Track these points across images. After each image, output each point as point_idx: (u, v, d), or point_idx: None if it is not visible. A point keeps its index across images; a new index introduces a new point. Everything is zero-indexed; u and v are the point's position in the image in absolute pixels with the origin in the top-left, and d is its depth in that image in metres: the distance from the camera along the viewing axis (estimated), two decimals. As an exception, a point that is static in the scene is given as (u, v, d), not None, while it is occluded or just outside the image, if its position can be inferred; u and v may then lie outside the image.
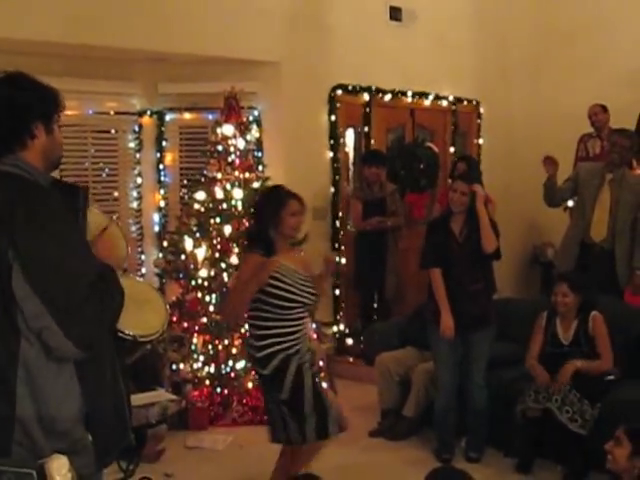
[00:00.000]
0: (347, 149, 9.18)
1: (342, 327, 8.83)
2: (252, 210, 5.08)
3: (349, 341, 8.71)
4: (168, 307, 3.61)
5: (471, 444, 6.07)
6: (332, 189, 8.83)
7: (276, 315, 4.74)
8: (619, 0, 9.94)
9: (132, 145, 8.34)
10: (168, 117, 8.44)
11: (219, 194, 7.21)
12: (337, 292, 8.83)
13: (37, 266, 2.69)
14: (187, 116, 8.48)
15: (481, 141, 10.38)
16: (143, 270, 8.30)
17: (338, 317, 8.83)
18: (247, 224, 7.05)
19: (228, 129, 7.31)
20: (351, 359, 8.40)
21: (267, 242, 4.78)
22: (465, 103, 10.15)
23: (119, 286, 2.91)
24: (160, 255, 7.89)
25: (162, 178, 8.44)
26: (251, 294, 4.67)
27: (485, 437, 6.06)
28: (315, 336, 7.30)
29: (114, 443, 3.04)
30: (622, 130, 7.58)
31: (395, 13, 9.35)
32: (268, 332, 4.74)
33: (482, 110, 10.35)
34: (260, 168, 7.50)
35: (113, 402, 3.00)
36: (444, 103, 9.88)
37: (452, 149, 9.99)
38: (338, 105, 8.83)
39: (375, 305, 8.65)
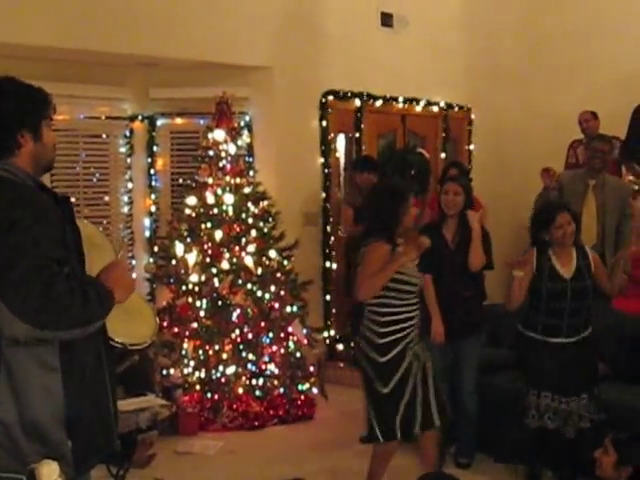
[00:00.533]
0: (338, 155, 9.18)
1: (333, 333, 8.83)
2: (372, 205, 5.27)
3: (340, 347, 8.71)
4: (157, 318, 3.61)
5: (461, 450, 6.07)
6: (323, 195, 8.83)
7: (401, 301, 4.96)
8: (610, 6, 9.94)
9: (123, 150, 8.32)
10: (159, 122, 8.43)
11: (210, 199, 7.21)
12: (328, 298, 8.82)
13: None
14: (178, 121, 8.48)
15: (472, 147, 10.40)
16: (134, 275, 8.28)
17: (329, 323, 8.83)
18: (238, 229, 7.09)
19: (219, 134, 7.31)
20: (342, 364, 8.40)
21: (389, 233, 4.99)
22: (456, 109, 10.17)
23: (104, 303, 2.85)
24: (151, 260, 7.89)
25: (153, 183, 8.43)
26: (385, 281, 4.88)
27: (475, 443, 6.06)
28: (306, 341, 7.32)
29: (95, 450, 3.02)
30: (601, 136, 7.65)
31: (386, 19, 9.37)
32: (394, 318, 4.96)
33: (473, 116, 10.37)
34: (251, 173, 7.51)
35: (97, 409, 2.98)
36: (435, 109, 9.89)
37: (443, 155, 10.00)
38: (329, 111, 8.84)
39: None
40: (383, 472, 5.19)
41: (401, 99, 9.47)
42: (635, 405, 5.44)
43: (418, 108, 9.71)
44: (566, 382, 5.28)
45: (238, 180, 7.32)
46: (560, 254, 5.40)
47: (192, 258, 7.15)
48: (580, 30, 10.21)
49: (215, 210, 7.20)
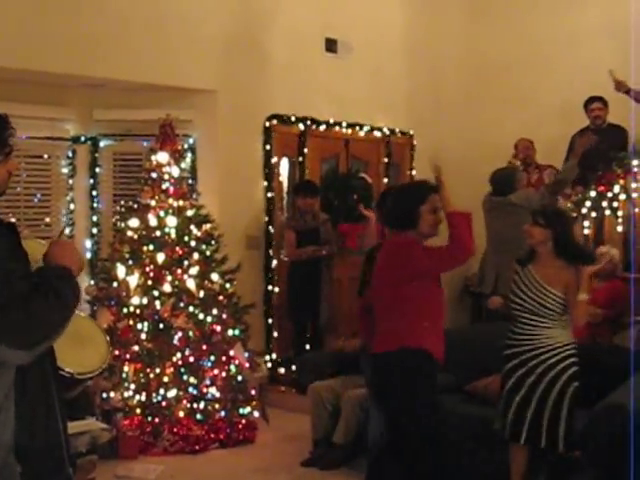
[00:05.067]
0: (281, 178, 9.20)
1: (274, 356, 8.81)
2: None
3: (281, 370, 8.69)
4: (109, 344, 3.56)
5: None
6: (266, 218, 8.83)
7: None
8: (549, 37, 10.14)
9: (65, 171, 8.23)
10: (102, 143, 8.38)
11: (152, 221, 7.17)
12: (269, 321, 8.82)
13: None
14: (122, 143, 8.44)
15: (414, 172, 10.48)
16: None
17: (270, 346, 8.81)
18: (180, 252, 7.08)
19: (163, 156, 7.28)
20: (283, 388, 8.38)
21: None
22: (399, 134, 10.25)
23: (73, 286, 2.79)
24: (92, 282, 7.81)
25: (95, 205, 8.36)
26: None
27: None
28: (247, 365, 7.29)
29: (45, 476, 2.98)
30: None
31: (331, 45, 9.44)
32: None
33: (415, 142, 10.46)
34: (194, 196, 7.48)
35: (45, 437, 2.94)
36: (378, 134, 9.97)
37: (385, 180, 10.06)
38: (273, 135, 8.86)
39: (308, 334, 8.64)
40: None
41: (344, 124, 9.53)
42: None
43: (361, 133, 9.77)
44: None
45: (181, 203, 7.29)
46: None
47: (134, 280, 7.09)
48: (518, 62, 10.45)
49: (157, 232, 7.16)
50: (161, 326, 6.99)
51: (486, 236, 7.40)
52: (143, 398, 6.90)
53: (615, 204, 8.21)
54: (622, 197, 8.17)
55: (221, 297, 7.26)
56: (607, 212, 8.25)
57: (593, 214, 8.26)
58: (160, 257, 7.09)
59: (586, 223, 8.25)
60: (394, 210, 5.20)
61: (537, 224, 5.28)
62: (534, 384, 5.21)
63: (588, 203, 8.15)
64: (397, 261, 4.96)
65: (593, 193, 8.13)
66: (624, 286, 7.71)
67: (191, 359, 7.00)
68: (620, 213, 8.18)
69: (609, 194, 8.19)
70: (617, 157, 8.07)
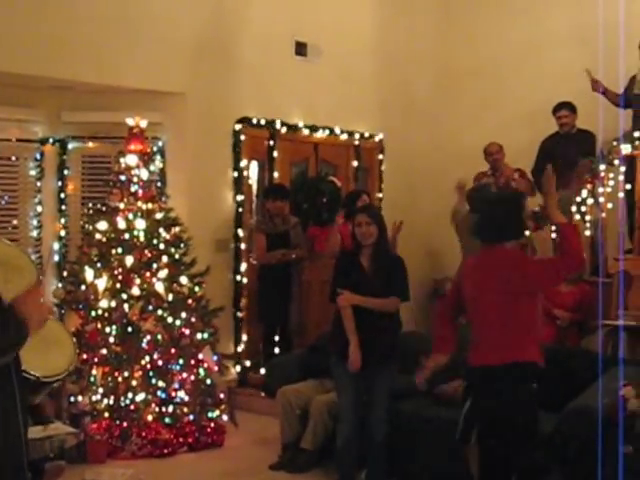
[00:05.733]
0: (250, 182, 9.18)
1: (243, 359, 8.80)
2: None
3: (250, 373, 8.67)
4: (76, 347, 3.55)
5: (371, 476, 6.07)
6: (235, 221, 8.81)
7: None
8: (519, 43, 10.22)
9: (33, 173, 8.20)
10: (71, 145, 8.35)
11: (121, 224, 7.15)
12: (239, 325, 8.80)
13: None
14: (90, 145, 8.40)
15: (383, 176, 10.50)
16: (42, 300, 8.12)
17: (239, 349, 8.79)
18: (149, 255, 7.05)
19: (131, 159, 7.26)
20: (252, 391, 8.36)
21: None
22: (368, 138, 10.27)
23: (21, 332, 2.80)
24: (60, 285, 7.75)
25: (63, 207, 8.33)
26: None
27: (385, 469, 6.07)
28: (216, 368, 7.28)
29: None
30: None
31: (300, 48, 9.44)
32: None
33: (384, 146, 10.48)
34: (163, 199, 7.46)
35: (6, 439, 2.91)
36: (347, 138, 9.97)
37: (355, 183, 10.07)
38: (242, 138, 8.84)
39: (277, 337, 8.64)
40: None
41: (314, 128, 9.53)
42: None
43: (331, 137, 9.77)
44: None
45: (150, 205, 7.27)
46: None
47: (102, 283, 7.06)
48: (488, 68, 10.54)
49: (126, 235, 7.14)
50: (129, 329, 6.96)
51: (461, 247, 7.38)
52: (111, 402, 6.88)
53: (583, 209, 8.27)
54: (590, 202, 8.23)
55: (190, 300, 7.25)
56: (576, 217, 8.31)
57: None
58: (129, 260, 7.07)
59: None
60: (499, 221, 4.96)
61: None
62: None
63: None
64: (514, 273, 4.81)
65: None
66: (591, 290, 7.78)
67: (160, 363, 6.98)
68: (588, 218, 8.24)
69: (577, 199, 8.24)
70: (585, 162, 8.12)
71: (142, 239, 7.15)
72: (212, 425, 7.12)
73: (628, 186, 8.15)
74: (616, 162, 8.09)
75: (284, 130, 9.24)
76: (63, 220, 8.33)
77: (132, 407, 6.87)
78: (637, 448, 4.78)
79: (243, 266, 8.84)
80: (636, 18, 8.24)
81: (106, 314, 7.00)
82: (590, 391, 5.56)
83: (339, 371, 5.92)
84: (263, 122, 9.02)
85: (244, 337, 8.85)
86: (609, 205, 8.17)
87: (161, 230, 7.26)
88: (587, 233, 8.23)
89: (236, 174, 8.81)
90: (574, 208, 8.24)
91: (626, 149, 7.99)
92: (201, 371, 7.14)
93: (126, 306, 7.01)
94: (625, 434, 4.79)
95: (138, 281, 7.06)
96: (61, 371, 3.32)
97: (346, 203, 8.22)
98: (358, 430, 5.97)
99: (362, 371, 5.83)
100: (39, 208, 8.22)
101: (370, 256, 5.92)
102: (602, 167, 8.15)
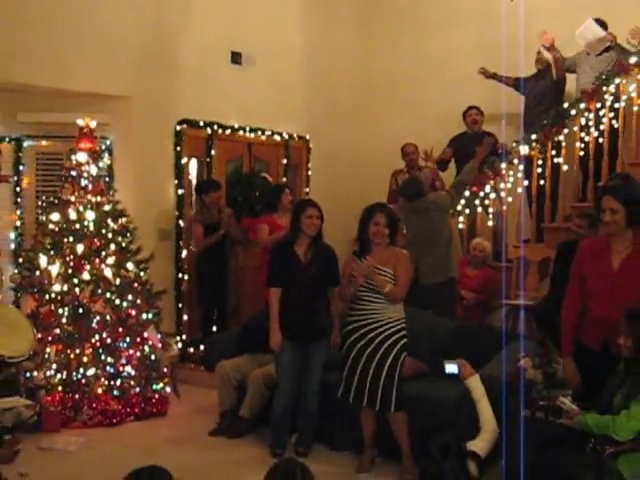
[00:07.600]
0: (190, 177, 9.20)
1: (185, 337, 8.84)
2: None
3: (191, 349, 8.71)
4: (35, 332, 3.59)
5: (301, 441, 6.17)
6: (176, 213, 8.84)
7: None
8: (430, 55, 10.38)
9: (-10, 169, 8.12)
10: (26, 144, 8.31)
11: (72, 215, 7.15)
12: (180, 305, 8.83)
13: None
14: (44, 143, 8.37)
15: (310, 173, 10.61)
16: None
17: (181, 328, 8.83)
18: (98, 243, 7.06)
19: (82, 156, 7.25)
20: (193, 366, 8.41)
21: None
22: (296, 139, 10.35)
23: None
24: (16, 271, 7.70)
25: (19, 200, 8.27)
26: None
27: (314, 434, 6.17)
28: (160, 345, 7.31)
29: None
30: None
31: (236, 57, 9.50)
32: None
33: (311, 145, 10.58)
34: (111, 192, 7.46)
35: None
36: (278, 138, 10.04)
37: (284, 179, 10.15)
38: (183, 137, 8.87)
39: (215, 317, 8.69)
40: None
41: (248, 129, 9.59)
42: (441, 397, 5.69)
43: (263, 137, 9.84)
44: None
45: (99, 198, 7.28)
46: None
47: (55, 269, 7.05)
48: (403, 76, 10.69)
49: (77, 225, 7.14)
50: (80, 311, 6.97)
51: (406, 234, 7.46)
52: (64, 376, 6.88)
53: (486, 202, 8.47)
54: (492, 196, 8.44)
55: (136, 284, 7.27)
56: (479, 209, 8.51)
57: (467, 211, 8.50)
58: (79, 248, 7.07)
59: (460, 218, 8.50)
60: None
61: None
62: (372, 354, 5.49)
63: (462, 201, 8.38)
64: None
65: (467, 193, 8.35)
66: (494, 274, 7.99)
67: (108, 340, 7.01)
68: (491, 210, 8.45)
69: (481, 193, 8.44)
70: (488, 161, 8.30)
71: (92, 229, 7.16)
72: (156, 396, 7.15)
73: (526, 182, 8.38)
74: (515, 161, 8.32)
75: (221, 131, 9.29)
76: (19, 212, 8.29)
77: (83, 381, 6.88)
78: (533, 411, 4.94)
79: (184, 253, 8.87)
80: (532, 37, 8.43)
81: (59, 297, 6.99)
82: (494, 362, 5.72)
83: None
84: (202, 123, 9.06)
85: (185, 317, 8.89)
86: (509, 199, 8.40)
87: (109, 221, 7.27)
88: (490, 224, 8.45)
89: (177, 170, 8.84)
90: (477, 201, 8.44)
91: (524, 150, 8.22)
92: (146, 348, 7.17)
93: (77, 290, 7.01)
94: (524, 399, 4.95)
95: (88, 267, 7.07)
96: (24, 353, 3.37)
97: (270, 196, 8.29)
98: (294, 400, 6.06)
99: (299, 347, 5.93)
100: (-5, 201, 8.15)
101: (307, 246, 5.99)
102: (503, 165, 8.37)
